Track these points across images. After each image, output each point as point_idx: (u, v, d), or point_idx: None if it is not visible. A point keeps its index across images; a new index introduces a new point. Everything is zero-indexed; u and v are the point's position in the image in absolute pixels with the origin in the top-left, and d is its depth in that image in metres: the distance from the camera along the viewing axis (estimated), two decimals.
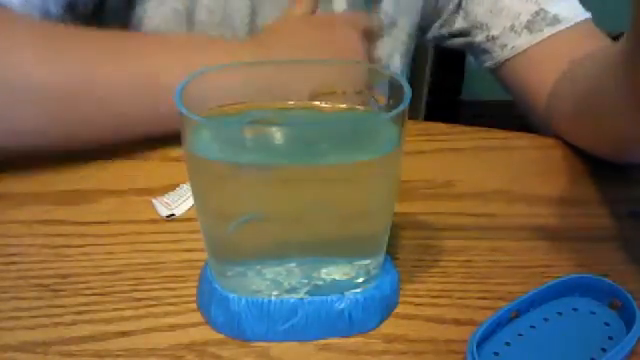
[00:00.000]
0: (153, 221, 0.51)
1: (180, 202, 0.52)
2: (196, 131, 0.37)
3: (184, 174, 0.39)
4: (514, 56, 0.67)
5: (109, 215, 0.51)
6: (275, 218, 0.39)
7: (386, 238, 0.42)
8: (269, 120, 0.42)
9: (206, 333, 0.41)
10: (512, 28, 0.66)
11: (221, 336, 0.41)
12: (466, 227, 0.51)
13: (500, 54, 0.68)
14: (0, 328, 0.41)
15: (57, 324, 0.41)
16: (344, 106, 0.43)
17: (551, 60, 0.65)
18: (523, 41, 0.66)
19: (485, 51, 0.70)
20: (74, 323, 0.41)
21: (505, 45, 0.67)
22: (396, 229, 0.49)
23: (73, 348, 0.40)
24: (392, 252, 0.47)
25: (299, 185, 0.38)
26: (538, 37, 0.65)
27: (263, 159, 0.37)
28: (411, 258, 0.48)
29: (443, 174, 0.57)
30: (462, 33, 0.73)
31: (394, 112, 0.37)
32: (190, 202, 0.52)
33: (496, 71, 0.71)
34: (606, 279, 0.43)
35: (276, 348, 0.40)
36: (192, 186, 0.40)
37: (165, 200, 0.52)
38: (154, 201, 0.52)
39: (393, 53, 0.73)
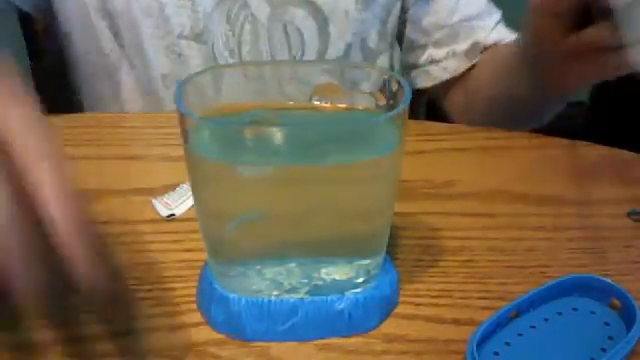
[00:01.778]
0: (153, 221, 0.51)
1: (180, 202, 0.52)
2: (196, 131, 0.37)
3: (184, 174, 0.39)
4: (452, 77, 0.76)
5: (109, 215, 0.51)
6: (275, 218, 0.38)
7: (386, 238, 0.42)
8: (269, 120, 0.42)
9: (206, 333, 0.41)
10: (454, 55, 0.75)
11: (221, 336, 0.41)
12: (466, 227, 0.51)
13: (441, 76, 0.77)
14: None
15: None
16: (344, 106, 0.43)
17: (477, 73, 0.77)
18: (463, 65, 0.75)
19: (426, 72, 0.78)
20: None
21: (446, 68, 0.76)
22: (396, 229, 0.49)
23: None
24: (392, 252, 0.47)
25: (299, 185, 0.38)
26: (474, 61, 0.75)
27: (263, 159, 0.37)
28: (411, 258, 0.48)
29: (443, 174, 0.57)
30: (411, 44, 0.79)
31: (394, 112, 0.37)
32: (190, 202, 0.52)
33: (430, 88, 0.79)
34: (606, 279, 0.43)
35: (276, 348, 0.40)
36: (192, 186, 0.40)
37: (165, 200, 0.52)
38: (154, 201, 0.52)
39: (369, 29, 0.74)
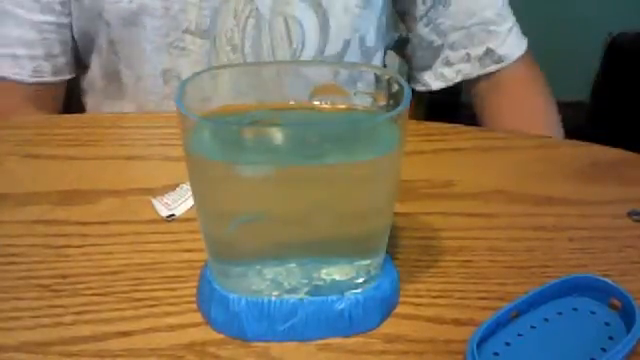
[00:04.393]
0: (153, 221, 0.51)
1: (180, 202, 0.52)
2: (196, 131, 0.37)
3: (184, 174, 0.39)
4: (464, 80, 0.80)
5: (109, 215, 0.51)
6: (275, 218, 0.38)
7: (386, 238, 0.42)
8: (269, 120, 0.42)
9: (206, 333, 0.41)
10: (468, 59, 0.78)
11: (221, 336, 0.41)
12: (466, 227, 0.51)
13: (453, 78, 0.80)
14: (0, 328, 0.41)
15: (57, 324, 0.41)
16: (344, 106, 0.43)
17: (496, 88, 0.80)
18: (475, 71, 0.79)
19: (439, 74, 0.81)
20: (74, 323, 0.41)
21: (459, 71, 0.79)
22: (396, 229, 0.49)
23: (73, 348, 0.40)
24: (392, 252, 0.47)
25: (299, 185, 0.38)
26: (487, 69, 0.78)
27: (263, 159, 0.37)
28: (411, 258, 0.48)
29: (443, 174, 0.57)
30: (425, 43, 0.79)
31: (394, 112, 0.37)
32: (190, 202, 0.52)
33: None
34: (606, 279, 0.43)
35: (276, 348, 0.40)
36: (192, 186, 0.40)
37: (165, 200, 0.52)
38: (154, 201, 0.52)
39: (368, 26, 0.74)
